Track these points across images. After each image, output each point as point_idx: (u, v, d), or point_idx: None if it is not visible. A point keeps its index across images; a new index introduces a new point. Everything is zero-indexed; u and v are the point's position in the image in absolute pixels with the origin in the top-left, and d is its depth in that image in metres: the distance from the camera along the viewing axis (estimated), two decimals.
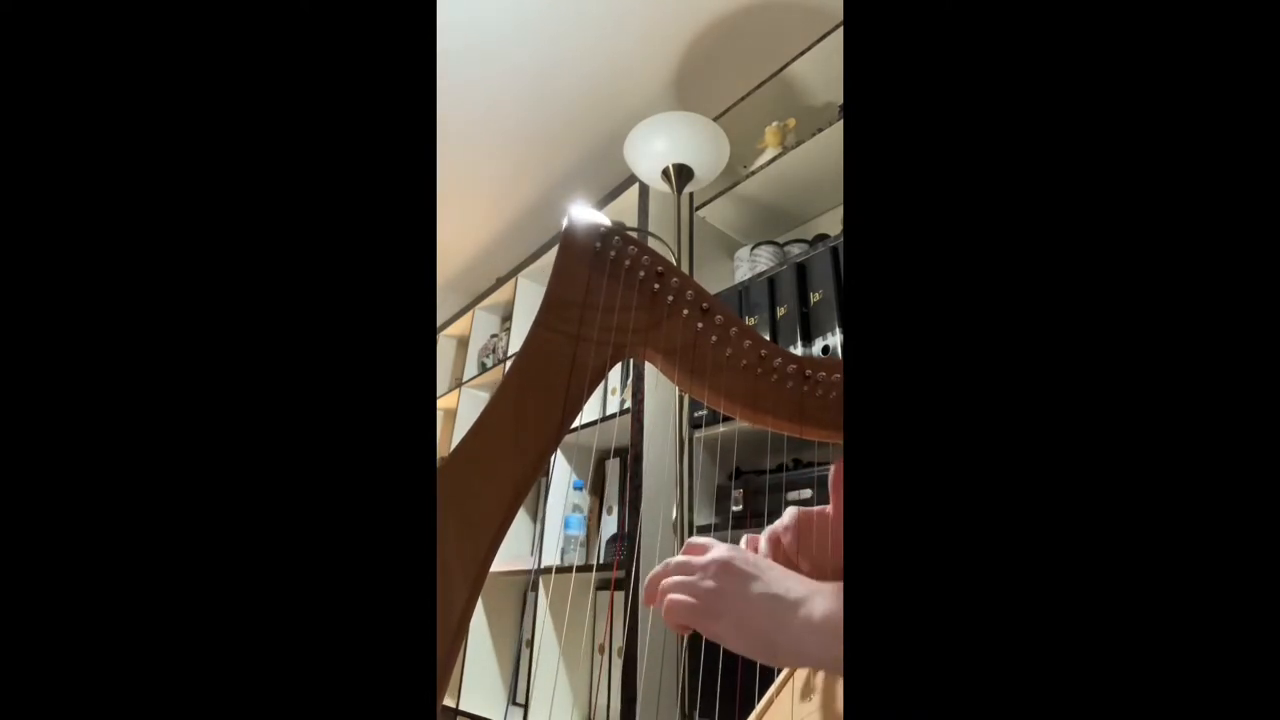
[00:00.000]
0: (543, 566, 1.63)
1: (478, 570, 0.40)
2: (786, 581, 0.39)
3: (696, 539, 0.43)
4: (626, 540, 1.39)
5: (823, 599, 0.36)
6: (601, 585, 1.67)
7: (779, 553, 0.49)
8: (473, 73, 1.72)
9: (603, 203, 1.90)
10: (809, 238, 1.56)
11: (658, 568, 0.43)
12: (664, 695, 1.24)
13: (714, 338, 0.49)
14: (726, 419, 1.30)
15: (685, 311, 0.49)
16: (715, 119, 1.50)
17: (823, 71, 1.50)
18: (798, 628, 0.36)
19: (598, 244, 0.50)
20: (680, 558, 0.42)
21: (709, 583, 0.40)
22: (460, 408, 2.37)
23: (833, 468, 0.48)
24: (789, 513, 0.51)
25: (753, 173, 1.53)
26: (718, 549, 0.41)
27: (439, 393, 2.47)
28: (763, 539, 0.50)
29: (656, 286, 0.49)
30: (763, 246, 1.54)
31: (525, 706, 1.62)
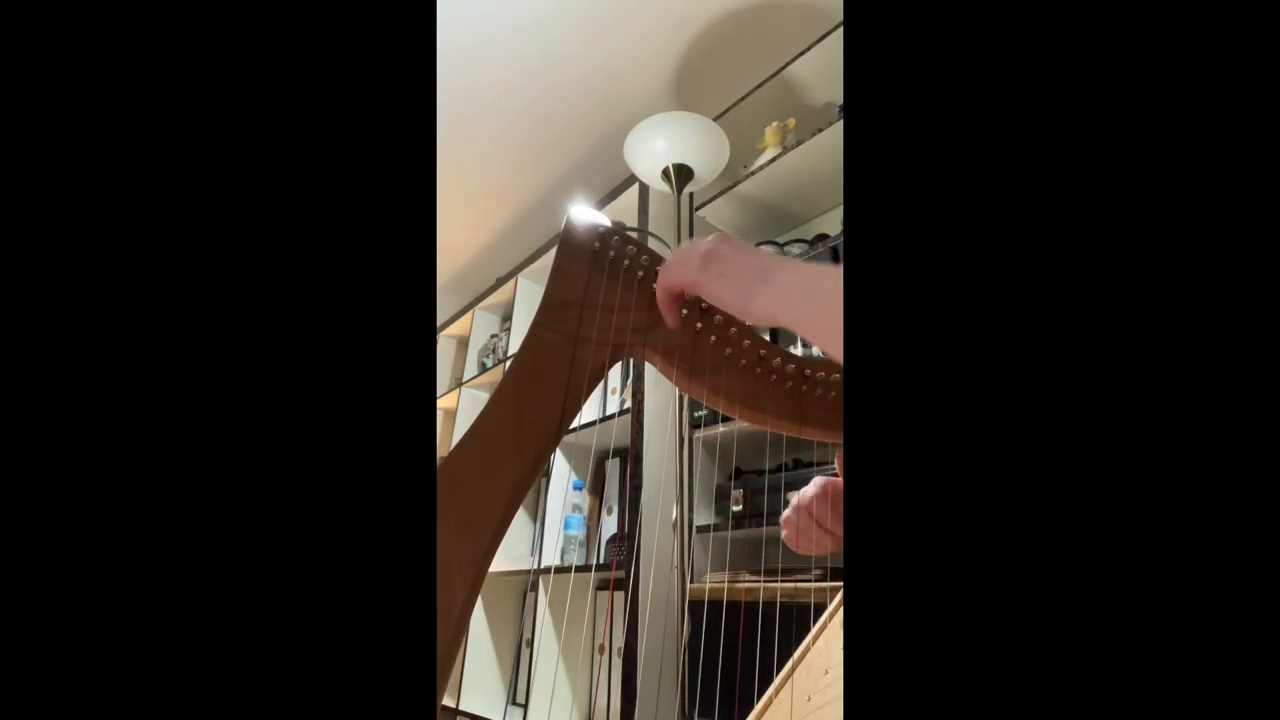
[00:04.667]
0: (543, 566, 1.63)
1: (477, 570, 0.40)
2: (769, 257, 0.42)
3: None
4: (626, 540, 1.39)
5: (808, 269, 0.38)
6: (601, 585, 1.67)
7: (807, 519, 0.52)
8: (473, 72, 1.72)
9: (603, 203, 1.90)
10: (809, 238, 1.56)
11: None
12: (664, 695, 1.24)
13: (713, 337, 0.49)
14: (726, 419, 1.30)
15: (684, 311, 0.49)
16: (715, 119, 1.50)
17: (823, 71, 1.50)
18: (784, 278, 0.38)
19: (597, 244, 0.50)
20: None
21: (704, 246, 0.42)
22: (460, 408, 2.37)
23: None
24: (815, 482, 0.53)
25: (753, 173, 1.53)
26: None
27: (439, 393, 2.47)
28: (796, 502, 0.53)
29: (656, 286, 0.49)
30: (763, 246, 1.54)
31: (525, 706, 1.62)
